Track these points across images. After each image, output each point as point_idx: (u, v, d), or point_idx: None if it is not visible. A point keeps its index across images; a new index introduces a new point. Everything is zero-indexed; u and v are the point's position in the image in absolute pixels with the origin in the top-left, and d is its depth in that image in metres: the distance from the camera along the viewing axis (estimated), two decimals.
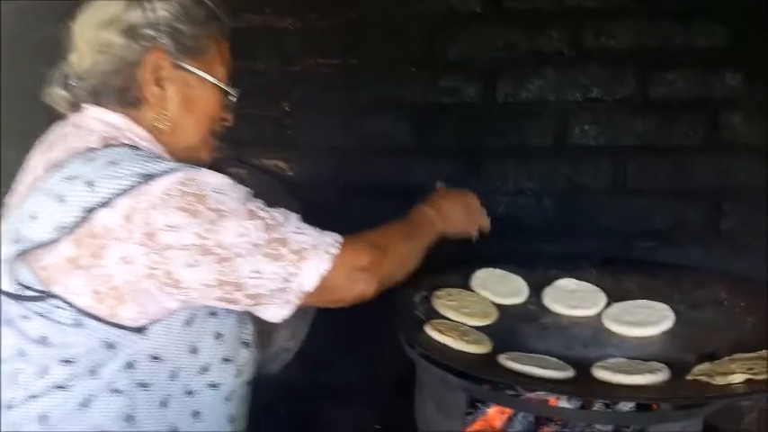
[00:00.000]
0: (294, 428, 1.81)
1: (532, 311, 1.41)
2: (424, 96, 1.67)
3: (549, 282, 1.48)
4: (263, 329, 1.82)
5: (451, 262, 1.63)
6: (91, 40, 0.95)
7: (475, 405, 1.23)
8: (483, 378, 1.09)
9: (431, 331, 1.23)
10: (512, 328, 1.33)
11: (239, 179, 1.78)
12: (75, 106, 0.99)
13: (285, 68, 1.73)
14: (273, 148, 1.78)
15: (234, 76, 1.77)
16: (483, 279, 1.50)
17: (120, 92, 0.96)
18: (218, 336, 0.97)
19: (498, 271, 1.52)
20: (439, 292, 1.41)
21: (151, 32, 0.95)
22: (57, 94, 0.99)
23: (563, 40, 1.59)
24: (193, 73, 1.00)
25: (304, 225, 0.98)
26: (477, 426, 1.24)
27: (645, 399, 1.05)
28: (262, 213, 0.93)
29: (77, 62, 0.97)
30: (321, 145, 1.76)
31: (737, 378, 0.97)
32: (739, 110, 1.55)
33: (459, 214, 1.35)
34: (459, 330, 1.26)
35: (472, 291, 1.46)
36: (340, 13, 1.68)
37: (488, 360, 1.16)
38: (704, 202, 1.61)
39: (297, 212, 1.72)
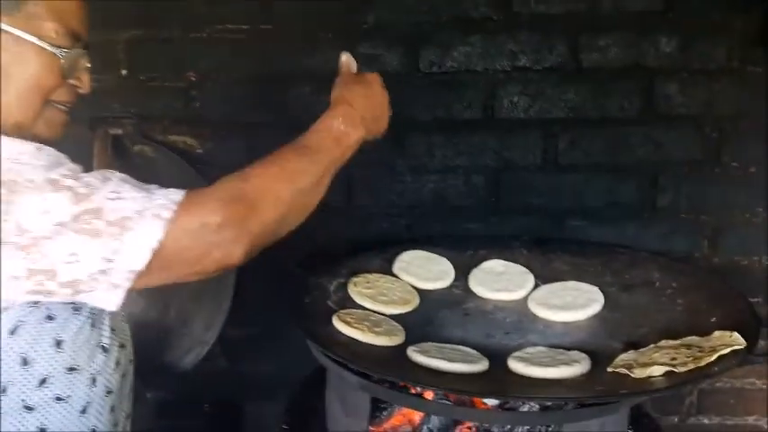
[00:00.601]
0: (215, 424, 1.69)
1: (456, 296, 1.31)
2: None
3: (477, 264, 1.38)
4: (173, 323, 1.72)
5: (373, 245, 1.53)
6: None
7: None
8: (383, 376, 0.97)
9: (338, 323, 1.11)
10: (431, 315, 1.23)
11: (143, 158, 1.68)
12: None
13: (190, 35, 1.57)
14: (180, 122, 1.62)
15: (135, 42, 1.64)
16: (406, 263, 1.39)
17: None
18: (59, 343, 0.83)
19: (423, 253, 1.42)
20: (356, 279, 1.31)
21: None
22: None
23: (490, 5, 1.47)
24: (8, 33, 0.81)
25: (128, 187, 0.79)
26: (394, 421, 1.14)
27: (540, 398, 0.96)
28: (69, 182, 0.75)
29: None
30: (233, 120, 1.61)
31: (657, 371, 0.89)
32: (675, 78, 1.46)
33: (375, 106, 1.08)
34: (370, 321, 1.15)
35: (394, 276, 1.35)
36: None
37: (397, 354, 1.05)
38: (639, 177, 1.53)
39: None
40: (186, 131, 1.63)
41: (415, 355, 1.00)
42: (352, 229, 1.61)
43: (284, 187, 0.89)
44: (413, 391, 0.99)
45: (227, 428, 1.69)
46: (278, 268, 1.58)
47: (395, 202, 1.59)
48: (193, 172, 1.63)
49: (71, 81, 0.89)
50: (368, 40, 1.51)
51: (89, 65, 0.91)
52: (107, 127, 1.64)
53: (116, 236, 0.75)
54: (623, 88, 1.48)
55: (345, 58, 1.14)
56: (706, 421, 1.66)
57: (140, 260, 0.76)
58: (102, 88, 1.64)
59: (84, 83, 0.91)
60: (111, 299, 0.77)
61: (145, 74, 1.61)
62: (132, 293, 0.78)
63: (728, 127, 1.49)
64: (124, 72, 1.62)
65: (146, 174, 1.61)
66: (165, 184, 1.62)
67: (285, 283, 1.61)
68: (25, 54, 0.83)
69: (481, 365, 0.99)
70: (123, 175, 0.82)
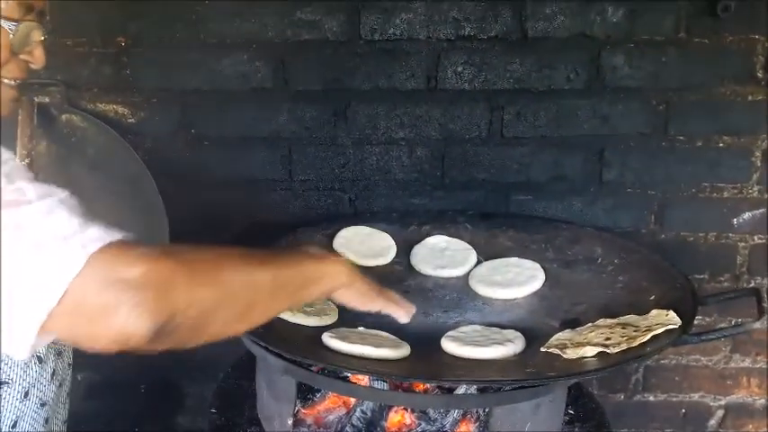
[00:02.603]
0: (154, 405, 1.64)
1: (397, 273, 1.28)
2: (282, 31, 1.46)
3: (420, 240, 1.34)
4: None
5: (313, 220, 1.48)
6: None
7: None
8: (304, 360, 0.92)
9: None
10: None
11: (71, 127, 1.58)
12: None
13: None
14: (110, 90, 1.52)
15: (60, 4, 1.53)
16: (347, 239, 1.35)
17: None
18: None
19: (365, 229, 1.38)
20: None
21: None
22: None
23: None
24: None
25: (64, 209, 0.67)
26: (328, 404, 1.09)
27: (454, 381, 0.93)
28: None
29: None
30: (166, 87, 1.51)
31: (590, 351, 0.86)
32: (622, 49, 1.42)
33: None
34: None
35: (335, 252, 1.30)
36: None
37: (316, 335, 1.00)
38: (586, 150, 1.49)
39: (141, 168, 1.55)
40: (117, 100, 1.54)
41: (329, 340, 0.95)
42: (293, 205, 1.55)
43: (241, 277, 0.75)
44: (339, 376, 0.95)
45: (166, 410, 1.64)
46: (218, 244, 1.53)
47: (338, 175, 1.53)
48: (125, 143, 1.54)
49: (22, 56, 0.82)
50: (307, 4, 1.43)
51: (43, 38, 0.84)
52: (32, 94, 1.53)
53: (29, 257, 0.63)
54: (570, 59, 1.44)
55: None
56: (651, 398, 1.67)
57: (55, 291, 0.62)
58: None
59: (38, 58, 0.84)
60: (14, 348, 0.64)
61: (71, 38, 1.51)
62: None
63: (675, 99, 1.46)
64: (49, 36, 1.51)
65: (74, 145, 1.57)
66: (96, 155, 1.56)
67: None
68: None
69: (400, 352, 0.94)
70: (65, 193, 0.70)
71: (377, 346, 0.92)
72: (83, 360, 1.60)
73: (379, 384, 0.95)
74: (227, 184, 1.55)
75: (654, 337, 0.88)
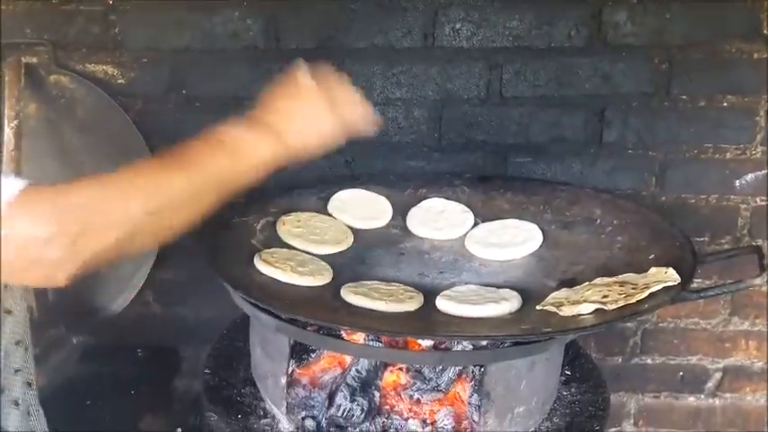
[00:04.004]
0: (150, 369, 1.63)
1: (393, 236, 1.26)
2: None
3: (416, 202, 1.32)
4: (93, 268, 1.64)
5: (308, 182, 1.45)
6: None
7: None
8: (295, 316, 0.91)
9: (259, 263, 1.05)
10: (364, 254, 1.17)
11: (60, 88, 1.54)
12: None
13: None
14: (98, 50, 1.48)
15: None
16: (343, 201, 1.33)
17: None
18: None
19: (361, 192, 1.35)
20: (286, 218, 1.23)
21: None
22: None
23: None
24: None
25: None
26: (324, 364, 1.08)
27: (448, 337, 0.93)
28: None
29: None
30: (156, 47, 1.48)
31: (586, 308, 0.84)
32: (624, 6, 1.38)
33: (303, 118, 0.92)
34: (296, 260, 1.09)
35: (329, 215, 1.28)
36: None
37: (321, 294, 0.99)
38: (586, 110, 1.46)
39: (131, 129, 1.52)
40: (106, 60, 1.50)
41: (346, 292, 0.95)
42: (288, 167, 1.52)
43: (132, 206, 0.74)
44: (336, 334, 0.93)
45: (162, 373, 1.63)
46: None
47: None
48: (115, 104, 1.51)
49: None
50: None
51: None
52: (19, 55, 1.50)
53: None
54: (570, 15, 1.39)
55: (299, 69, 0.96)
56: (649, 361, 1.66)
57: None
58: (11, 12, 1.49)
59: None
60: None
61: None
62: None
63: (679, 57, 1.42)
64: None
65: (63, 107, 1.54)
66: (85, 117, 1.53)
67: (213, 225, 1.54)
68: None
69: (411, 304, 0.94)
70: None
71: (387, 299, 0.92)
72: (79, 324, 1.61)
73: (373, 342, 0.94)
74: None
75: (652, 294, 0.86)
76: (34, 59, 1.51)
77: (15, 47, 1.49)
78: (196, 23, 1.46)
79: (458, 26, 1.41)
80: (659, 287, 0.87)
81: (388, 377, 1.02)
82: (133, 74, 1.50)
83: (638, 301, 0.85)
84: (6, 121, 1.45)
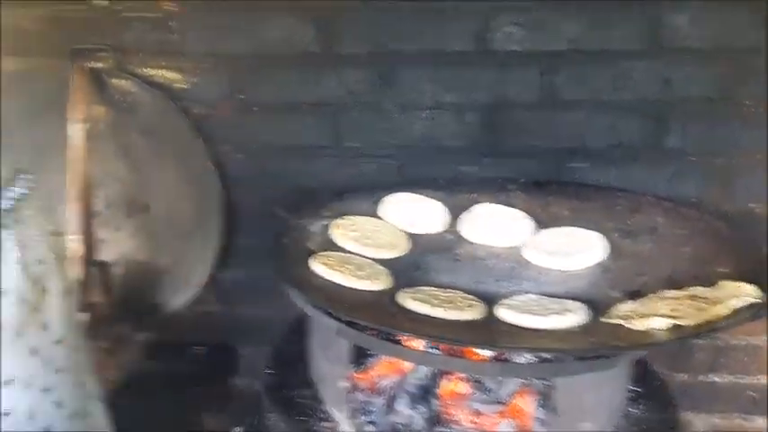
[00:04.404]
0: (209, 367, 1.67)
1: (447, 241, 1.25)
2: None
3: (469, 207, 1.31)
4: (163, 263, 1.68)
5: (359, 187, 1.46)
6: None
7: None
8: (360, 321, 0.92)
9: (316, 265, 1.06)
10: (419, 260, 1.17)
11: (122, 92, 1.59)
12: None
13: None
14: (158, 55, 1.52)
15: None
16: (394, 205, 1.33)
17: None
18: None
19: (413, 196, 1.35)
20: (340, 221, 1.24)
21: None
22: None
23: None
24: None
25: None
26: (380, 369, 1.09)
27: (513, 348, 0.91)
28: None
29: None
30: (214, 52, 1.50)
31: (658, 323, 0.82)
32: (685, 7, 1.34)
33: None
34: (353, 264, 1.10)
35: (382, 219, 1.29)
36: None
37: (381, 299, 0.99)
38: (646, 115, 1.42)
39: (191, 133, 1.56)
40: (166, 65, 1.54)
41: (404, 298, 0.95)
42: (339, 172, 1.54)
43: None
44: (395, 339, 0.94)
45: (221, 371, 1.67)
46: (267, 209, 1.53)
47: (384, 142, 1.50)
48: (175, 108, 1.55)
49: None
50: None
51: None
52: (85, 60, 1.55)
53: None
54: (628, 18, 1.36)
55: None
56: (717, 380, 1.60)
57: None
58: (78, 19, 1.54)
59: None
60: None
61: (120, 3, 1.51)
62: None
63: (743, 61, 1.38)
64: (99, 2, 1.51)
65: (126, 110, 1.58)
66: (147, 121, 1.57)
67: (274, 225, 1.56)
68: None
69: (472, 313, 0.93)
70: None
71: (449, 307, 0.92)
72: (142, 321, 1.65)
73: (433, 350, 0.94)
74: (275, 150, 1.54)
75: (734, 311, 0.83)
76: (99, 64, 1.56)
77: (82, 53, 1.54)
78: (252, 29, 1.48)
79: (511, 30, 1.39)
80: (742, 303, 0.84)
81: (447, 386, 1.02)
82: (193, 78, 1.53)
83: (716, 316, 0.82)
84: (75, 124, 1.51)
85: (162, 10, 1.49)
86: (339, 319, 0.92)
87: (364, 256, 1.15)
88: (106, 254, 1.61)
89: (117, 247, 1.64)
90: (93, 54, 1.56)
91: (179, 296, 1.66)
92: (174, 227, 1.64)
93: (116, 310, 1.58)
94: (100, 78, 1.56)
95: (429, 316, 0.93)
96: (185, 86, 1.54)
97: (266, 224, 1.54)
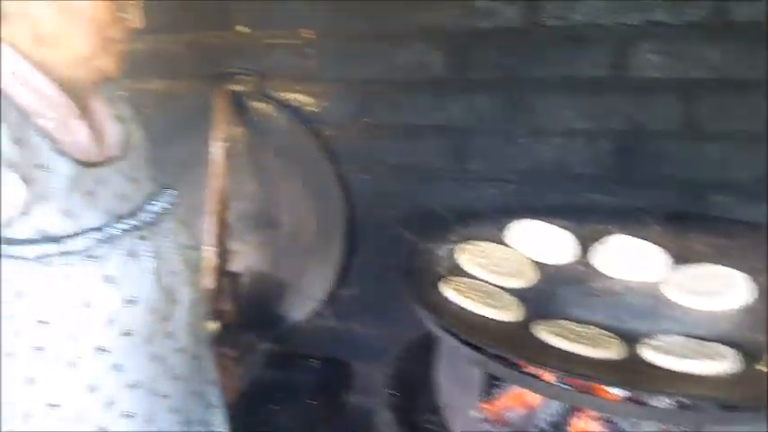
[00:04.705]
0: (323, 380, 1.71)
1: (579, 273, 1.21)
2: (458, 21, 1.44)
3: (601, 239, 1.27)
4: (285, 277, 1.75)
5: (484, 212, 1.45)
6: None
7: None
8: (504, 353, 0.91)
9: (448, 291, 1.06)
10: (551, 291, 1.14)
11: (260, 114, 1.68)
12: None
13: None
14: (294, 79, 1.61)
15: (251, 2, 1.63)
16: (522, 233, 1.31)
17: None
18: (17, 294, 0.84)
19: (541, 224, 1.33)
20: (468, 246, 1.24)
21: None
22: None
23: None
24: None
25: None
26: (506, 401, 1.07)
27: (691, 396, 0.84)
28: None
29: None
30: (345, 77, 1.57)
31: None
32: None
33: None
34: (484, 291, 1.09)
35: (507, 246, 1.27)
36: None
37: (515, 330, 0.98)
38: None
39: (319, 153, 1.62)
40: (301, 89, 1.62)
41: (540, 330, 0.93)
42: (462, 195, 1.54)
43: None
44: (530, 371, 0.92)
45: (336, 386, 1.71)
46: (388, 229, 1.56)
47: (509, 166, 1.50)
48: (307, 130, 1.62)
49: (122, 15, 0.89)
50: None
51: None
52: (227, 83, 1.66)
53: None
54: None
55: None
56: None
57: None
58: (222, 45, 1.66)
59: (136, 16, 0.90)
60: None
61: (262, 31, 1.61)
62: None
63: None
64: (242, 29, 1.62)
65: (261, 131, 1.67)
66: (280, 140, 1.65)
67: (395, 245, 1.58)
68: None
69: (613, 351, 0.90)
70: None
71: (589, 343, 0.89)
72: (265, 331, 1.73)
73: (566, 385, 0.91)
74: (399, 172, 1.58)
75: None
76: (240, 87, 1.66)
77: (224, 76, 1.66)
78: (383, 56, 1.53)
79: (649, 57, 1.35)
80: None
81: (578, 423, 0.99)
82: (324, 102, 1.60)
83: None
84: (216, 143, 1.61)
85: (300, 37, 1.57)
86: (475, 348, 0.92)
87: (493, 284, 1.14)
88: (234, 265, 1.70)
89: (244, 258, 1.73)
90: (234, 78, 1.67)
91: (299, 309, 1.73)
92: (298, 242, 1.71)
93: (242, 319, 1.66)
94: (240, 101, 1.67)
95: (567, 351, 0.91)
96: (316, 109, 1.62)
97: (386, 243, 1.58)
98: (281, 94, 1.63)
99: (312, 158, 1.63)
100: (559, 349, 0.92)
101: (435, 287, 1.08)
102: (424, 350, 1.19)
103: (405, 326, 1.31)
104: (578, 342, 0.93)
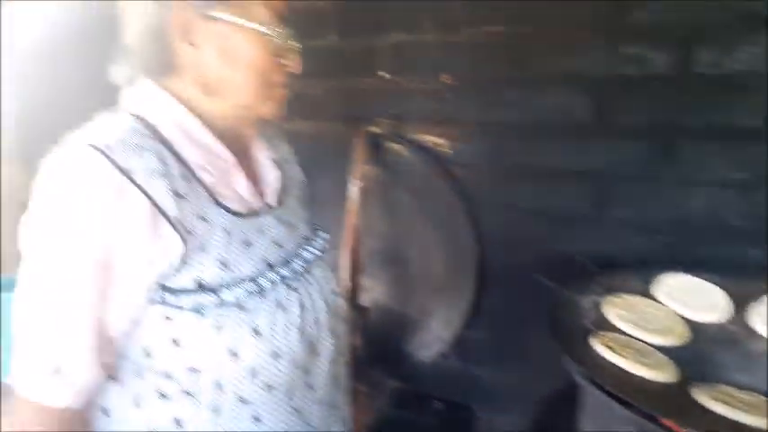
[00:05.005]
0: (445, 422, 1.71)
1: (734, 334, 1.14)
2: (604, 67, 1.43)
3: (757, 297, 1.20)
4: (415, 315, 1.77)
5: (627, 262, 1.41)
6: (127, 9, 0.88)
7: None
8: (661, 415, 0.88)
9: (599, 346, 1.04)
10: (705, 352, 1.08)
11: (396, 155, 1.74)
12: (131, 81, 0.90)
13: (447, 38, 1.58)
14: (430, 122, 1.66)
15: (395, 47, 1.70)
16: (670, 287, 1.26)
17: (156, 59, 0.87)
18: (176, 341, 0.84)
19: (690, 278, 1.27)
20: (613, 299, 1.21)
21: None
22: (115, 71, 0.91)
23: None
24: (227, 21, 0.84)
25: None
26: None
27: None
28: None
29: (123, 33, 0.88)
30: (484, 120, 1.59)
31: None
32: None
33: None
34: (634, 349, 1.05)
35: (655, 300, 1.23)
36: None
37: (671, 392, 0.94)
38: None
39: (454, 195, 1.64)
40: (437, 132, 1.66)
41: (700, 394, 0.89)
42: (602, 242, 1.51)
43: None
44: None
45: (456, 428, 1.70)
46: (522, 274, 1.55)
47: (655, 216, 1.45)
48: (441, 170, 1.66)
49: (283, 61, 0.90)
50: (633, 39, 1.39)
51: (298, 45, 0.91)
52: (365, 125, 1.74)
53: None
54: None
55: None
56: None
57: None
58: (362, 89, 1.75)
59: (295, 62, 0.91)
60: None
61: (402, 76, 1.67)
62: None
63: None
64: (384, 74, 1.69)
65: (396, 171, 1.73)
66: (414, 181, 1.70)
67: (526, 289, 1.57)
68: (247, 40, 0.86)
69: None
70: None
71: (758, 414, 0.84)
72: (391, 368, 1.76)
73: None
74: (534, 215, 1.57)
75: None
76: (377, 129, 1.73)
77: (364, 118, 1.74)
78: (525, 100, 1.54)
79: None
80: None
81: None
82: (460, 144, 1.63)
83: None
84: (353, 182, 1.69)
85: (440, 82, 1.62)
86: (631, 407, 0.89)
87: (643, 341, 1.10)
88: (363, 299, 1.75)
89: (373, 294, 1.78)
90: (373, 120, 1.74)
91: (425, 349, 1.74)
92: (427, 281, 1.73)
93: (369, 354, 1.70)
94: (377, 142, 1.74)
95: (733, 420, 0.86)
96: (451, 150, 1.65)
97: (517, 287, 1.57)
98: (418, 136, 1.68)
99: (445, 198, 1.66)
100: (723, 416, 0.88)
101: (585, 341, 1.06)
102: (564, 403, 1.17)
103: (534, 374, 1.29)
104: (743, 410, 0.88)
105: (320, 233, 1.04)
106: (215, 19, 0.84)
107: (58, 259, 0.78)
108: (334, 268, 1.05)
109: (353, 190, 1.69)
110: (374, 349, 1.72)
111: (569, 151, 1.51)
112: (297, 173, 1.11)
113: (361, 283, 1.73)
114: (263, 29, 0.86)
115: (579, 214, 1.53)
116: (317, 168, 1.78)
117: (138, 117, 0.85)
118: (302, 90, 1.80)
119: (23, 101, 2.31)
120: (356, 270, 1.69)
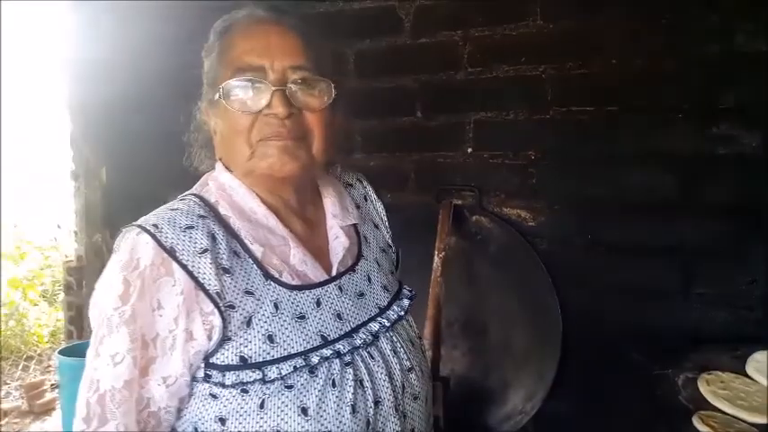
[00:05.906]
0: None
1: None
2: (694, 146, 1.48)
3: None
4: (495, 387, 1.77)
5: (720, 339, 1.42)
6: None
7: None
8: None
9: (701, 426, 1.05)
10: None
11: (479, 227, 1.80)
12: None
13: (534, 116, 1.67)
14: (516, 197, 1.72)
15: (482, 123, 1.79)
16: (763, 364, 1.26)
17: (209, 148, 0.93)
18: (222, 420, 0.81)
19: None
20: (707, 376, 1.22)
21: (201, 90, 0.91)
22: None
23: None
24: (216, 102, 0.87)
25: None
26: None
27: None
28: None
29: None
30: (567, 195, 1.65)
31: None
32: None
33: None
34: (735, 428, 1.06)
35: (748, 377, 1.24)
36: (602, 60, 1.57)
37: None
38: None
39: (538, 268, 1.67)
40: (521, 205, 1.72)
41: None
42: (688, 318, 1.52)
43: None
44: None
45: None
46: (607, 348, 1.56)
47: (743, 292, 1.46)
48: (523, 243, 1.70)
49: (265, 112, 0.85)
50: (724, 120, 1.44)
51: (273, 88, 0.84)
52: (451, 198, 1.81)
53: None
54: None
55: None
56: None
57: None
58: (449, 163, 1.82)
59: (276, 107, 0.84)
60: None
61: (488, 151, 1.76)
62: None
63: None
64: (470, 149, 1.78)
65: (479, 242, 1.78)
66: (497, 253, 1.74)
67: (609, 363, 1.58)
68: (228, 110, 0.85)
69: None
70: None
71: None
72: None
73: None
74: (617, 290, 1.59)
75: None
76: (461, 201, 1.81)
77: (448, 191, 1.82)
78: (611, 177, 1.59)
79: None
80: None
81: None
82: (544, 218, 1.69)
83: None
84: (437, 252, 1.75)
85: (525, 157, 1.69)
86: None
87: (741, 420, 1.11)
88: (442, 369, 1.76)
89: (451, 364, 1.79)
90: (457, 193, 1.82)
91: (506, 422, 1.72)
92: (507, 352, 1.74)
93: (449, 426, 1.70)
94: (461, 214, 1.81)
95: None
96: (535, 224, 1.70)
97: (599, 362, 1.58)
98: (501, 209, 1.74)
99: (528, 270, 1.69)
100: None
101: (682, 419, 1.08)
102: None
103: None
104: None
105: (405, 290, 0.98)
106: (212, 103, 0.88)
107: (103, 333, 0.80)
108: (412, 341, 0.95)
109: (437, 261, 1.76)
110: (453, 420, 1.71)
111: (657, 227, 1.54)
112: (379, 217, 1.06)
113: (441, 354, 1.75)
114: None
115: (663, 290, 1.55)
116: (403, 240, 1.86)
117: (199, 197, 0.88)
118: (389, 163, 1.90)
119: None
120: (437, 340, 1.72)
